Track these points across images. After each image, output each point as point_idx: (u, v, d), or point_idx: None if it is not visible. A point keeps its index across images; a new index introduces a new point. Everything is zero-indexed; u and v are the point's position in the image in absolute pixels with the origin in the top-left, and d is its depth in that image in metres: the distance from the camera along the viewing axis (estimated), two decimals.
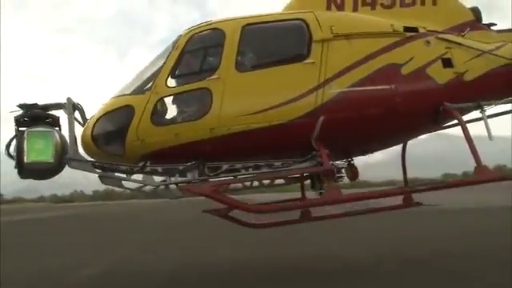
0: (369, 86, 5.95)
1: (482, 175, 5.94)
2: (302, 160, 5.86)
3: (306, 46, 6.02)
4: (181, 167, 5.70)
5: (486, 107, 6.47)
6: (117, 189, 6.44)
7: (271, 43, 6.43)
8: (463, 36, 6.74)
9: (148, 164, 5.72)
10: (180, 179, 5.75)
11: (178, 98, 5.97)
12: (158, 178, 5.92)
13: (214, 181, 5.86)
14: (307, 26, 6.09)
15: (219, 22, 6.22)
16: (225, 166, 5.76)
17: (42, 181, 6.10)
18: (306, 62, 5.95)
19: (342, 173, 6.12)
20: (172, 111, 6.01)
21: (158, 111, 5.82)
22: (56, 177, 5.90)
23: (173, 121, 5.91)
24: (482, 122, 6.51)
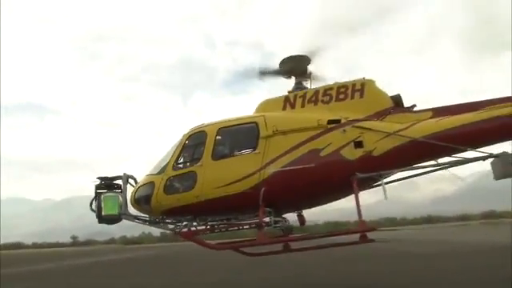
0: (295, 166, 8.56)
1: (362, 227, 8.26)
2: (256, 215, 8.62)
3: (256, 141, 8.96)
4: (183, 219, 9.07)
5: (386, 175, 8.61)
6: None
7: (235, 140, 9.39)
8: (382, 119, 8.86)
9: (164, 217, 9.31)
10: (182, 226, 9.10)
11: (178, 177, 9.20)
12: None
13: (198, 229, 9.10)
14: (258, 126, 9.06)
15: (206, 125, 9.46)
16: (209, 218, 9.02)
17: (113, 224, 9.43)
18: (254, 152, 8.92)
19: (278, 224, 8.85)
20: (176, 185, 9.13)
21: (168, 186, 9.08)
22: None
23: (176, 191, 9.04)
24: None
